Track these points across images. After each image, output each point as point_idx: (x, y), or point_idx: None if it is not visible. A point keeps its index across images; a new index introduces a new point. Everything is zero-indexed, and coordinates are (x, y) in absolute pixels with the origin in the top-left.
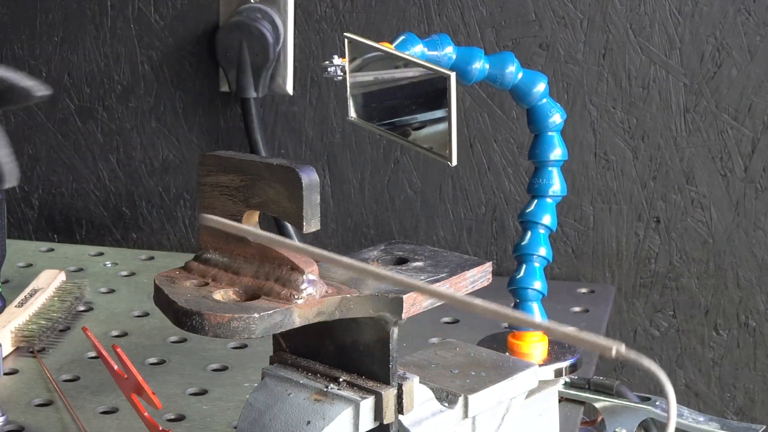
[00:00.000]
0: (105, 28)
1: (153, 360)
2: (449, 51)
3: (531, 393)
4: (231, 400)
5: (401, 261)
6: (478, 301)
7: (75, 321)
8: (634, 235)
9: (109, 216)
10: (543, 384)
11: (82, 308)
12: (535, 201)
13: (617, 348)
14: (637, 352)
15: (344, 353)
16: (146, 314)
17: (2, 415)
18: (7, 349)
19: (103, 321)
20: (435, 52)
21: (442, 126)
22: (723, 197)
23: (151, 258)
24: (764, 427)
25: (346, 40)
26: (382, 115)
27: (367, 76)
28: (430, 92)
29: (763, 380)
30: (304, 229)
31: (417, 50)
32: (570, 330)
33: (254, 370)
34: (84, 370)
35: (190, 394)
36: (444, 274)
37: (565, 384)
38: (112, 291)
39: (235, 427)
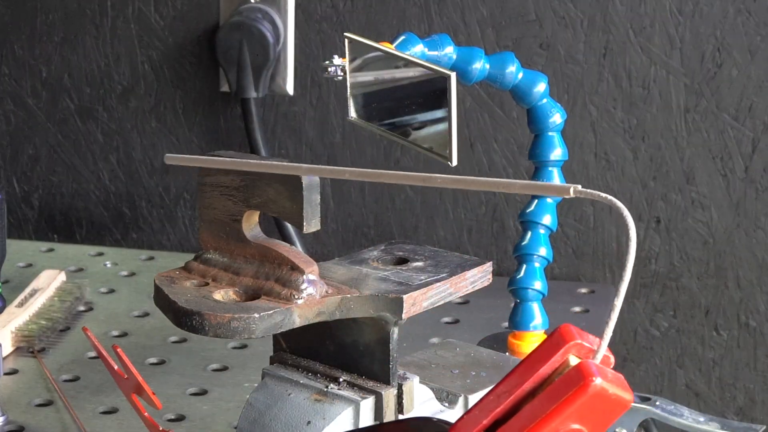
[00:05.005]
0: (105, 28)
1: (153, 360)
2: (449, 51)
3: None
4: (231, 400)
5: (401, 261)
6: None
7: (75, 321)
8: None
9: (109, 216)
10: None
11: (82, 308)
12: (536, 201)
13: (574, 188)
14: (593, 192)
15: (344, 353)
16: (146, 314)
17: (2, 415)
18: (7, 349)
19: (103, 321)
20: (435, 52)
21: (442, 126)
22: (723, 197)
23: (151, 258)
24: (764, 427)
25: (346, 40)
26: (382, 115)
27: (367, 76)
28: (430, 92)
29: (763, 380)
30: (305, 229)
31: (417, 50)
32: (522, 182)
33: (254, 370)
34: (84, 370)
35: (190, 394)
36: (444, 274)
37: None
38: (112, 291)
39: (235, 427)
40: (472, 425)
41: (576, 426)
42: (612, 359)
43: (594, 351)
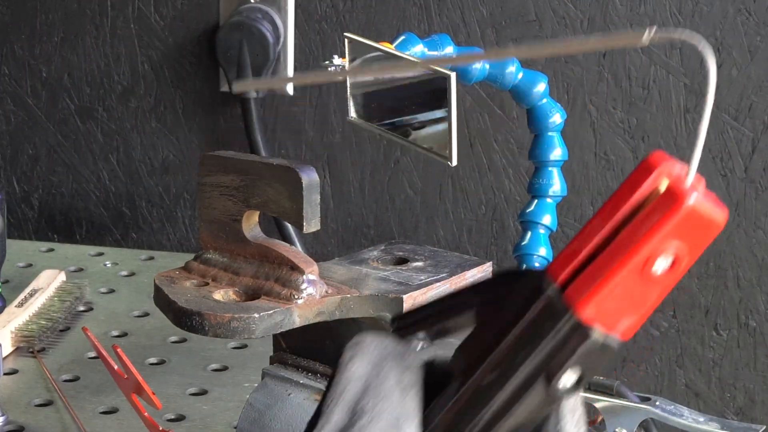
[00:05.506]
0: (105, 28)
1: (153, 360)
2: (449, 51)
3: None
4: (231, 400)
5: (401, 261)
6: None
7: (75, 321)
8: None
9: (109, 216)
10: None
11: (82, 308)
12: (536, 201)
13: (648, 31)
14: (669, 33)
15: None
16: (146, 314)
17: (2, 415)
18: (7, 349)
19: (103, 321)
20: (435, 52)
21: (442, 126)
22: (723, 197)
23: (151, 258)
24: (764, 427)
25: (346, 40)
26: (382, 115)
27: (368, 76)
28: (430, 92)
29: (763, 380)
30: (304, 229)
31: (417, 50)
32: (593, 38)
33: (254, 370)
34: (84, 370)
35: (190, 394)
36: (444, 274)
37: None
38: (112, 291)
39: (235, 427)
40: (568, 260)
41: (673, 246)
42: (703, 181)
43: (685, 174)
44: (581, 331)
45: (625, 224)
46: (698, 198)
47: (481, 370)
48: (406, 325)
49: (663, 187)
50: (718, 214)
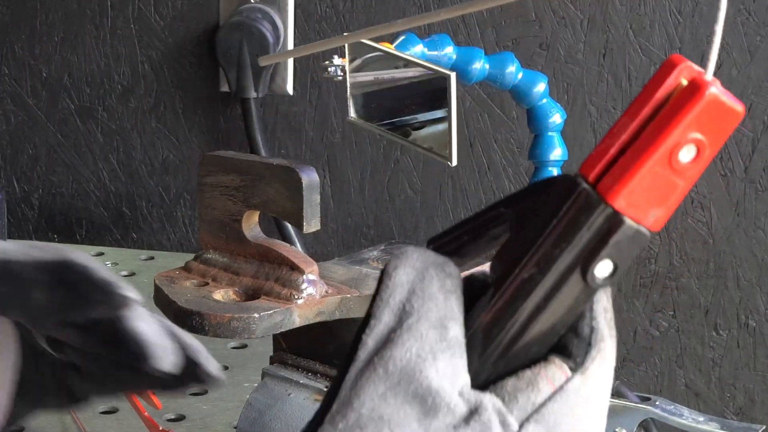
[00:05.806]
0: (105, 28)
1: None
2: (449, 51)
3: None
4: (231, 400)
5: None
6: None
7: None
8: None
9: (109, 216)
10: None
11: None
12: None
13: None
14: None
15: (344, 353)
16: None
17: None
18: None
19: None
20: (435, 52)
21: (442, 126)
22: (723, 197)
23: (151, 258)
24: (764, 427)
25: None
26: (382, 115)
27: (367, 77)
28: (430, 92)
29: (763, 380)
30: (304, 229)
31: (417, 50)
32: None
33: (254, 370)
34: None
35: (190, 394)
36: None
37: None
38: None
39: (235, 427)
40: (599, 158)
41: (696, 135)
42: (719, 81)
43: (704, 71)
44: (615, 219)
45: (651, 119)
46: (719, 88)
47: (519, 269)
48: (442, 243)
49: (685, 83)
50: (736, 106)
